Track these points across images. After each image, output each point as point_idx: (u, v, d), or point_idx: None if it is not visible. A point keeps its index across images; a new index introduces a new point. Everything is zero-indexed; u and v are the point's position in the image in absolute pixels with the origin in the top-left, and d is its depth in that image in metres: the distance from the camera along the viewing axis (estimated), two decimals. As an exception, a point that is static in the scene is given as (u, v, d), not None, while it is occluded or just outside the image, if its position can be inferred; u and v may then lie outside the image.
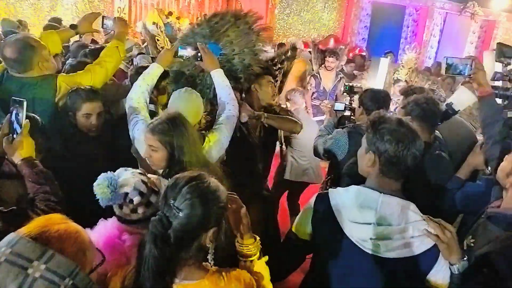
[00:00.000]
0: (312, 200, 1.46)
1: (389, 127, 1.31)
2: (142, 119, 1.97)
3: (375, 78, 4.83)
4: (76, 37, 4.53)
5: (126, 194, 1.40)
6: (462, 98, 2.31)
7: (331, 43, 9.36)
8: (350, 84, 3.10)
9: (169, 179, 1.15)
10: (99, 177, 1.37)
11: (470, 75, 1.92)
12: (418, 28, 11.12)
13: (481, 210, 1.62)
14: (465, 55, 7.90)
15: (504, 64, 3.06)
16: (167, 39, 3.93)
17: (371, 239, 1.30)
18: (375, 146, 1.33)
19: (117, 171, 1.46)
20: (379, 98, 2.46)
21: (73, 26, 2.57)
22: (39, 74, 2.15)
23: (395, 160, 1.30)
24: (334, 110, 2.92)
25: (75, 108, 2.11)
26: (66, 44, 4.95)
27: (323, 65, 5.14)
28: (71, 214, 1.04)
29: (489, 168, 1.97)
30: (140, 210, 1.42)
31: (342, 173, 2.12)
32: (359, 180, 1.43)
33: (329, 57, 4.97)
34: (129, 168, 1.49)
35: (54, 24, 4.64)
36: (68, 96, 2.13)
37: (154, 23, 4.98)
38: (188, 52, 2.21)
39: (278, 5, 9.86)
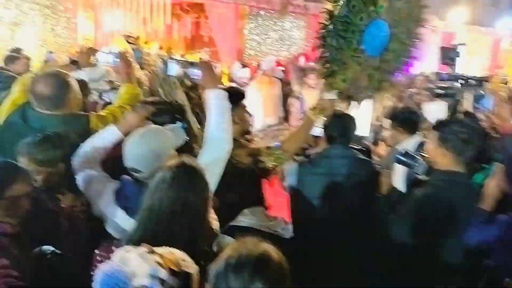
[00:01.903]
0: None
1: None
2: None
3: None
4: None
5: None
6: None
7: (302, 61, 9.43)
8: None
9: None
10: (98, 279, 1.04)
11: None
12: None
13: None
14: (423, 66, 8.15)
15: (450, 65, 3.24)
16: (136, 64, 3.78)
17: None
18: None
19: (117, 255, 1.09)
20: (341, 125, 2.21)
21: (74, 62, 2.55)
22: (70, 112, 2.06)
23: None
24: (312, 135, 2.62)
25: None
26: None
27: (304, 85, 5.07)
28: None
29: None
30: None
31: None
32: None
33: (310, 74, 4.88)
34: (130, 247, 1.13)
35: (15, 55, 4.39)
36: None
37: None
38: (178, 69, 1.92)
39: (247, 26, 9.89)
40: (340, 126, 2.22)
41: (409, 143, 2.56)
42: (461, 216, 1.83)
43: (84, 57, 2.57)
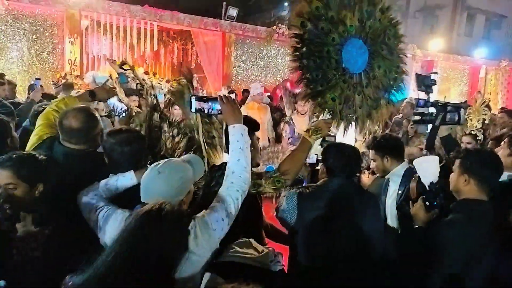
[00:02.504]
0: None
1: None
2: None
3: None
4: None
5: None
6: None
7: (288, 87, 9.57)
8: None
9: None
10: None
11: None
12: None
13: None
14: (409, 93, 8.38)
15: (426, 93, 3.33)
16: (122, 89, 3.73)
17: None
18: None
19: None
20: (344, 156, 2.06)
21: (91, 94, 2.53)
22: (90, 147, 2.09)
23: None
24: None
25: None
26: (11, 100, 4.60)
27: (295, 111, 5.10)
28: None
29: None
30: None
31: None
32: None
33: (300, 100, 4.90)
34: None
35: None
36: None
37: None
38: (211, 103, 1.81)
39: (234, 53, 10.03)
40: (344, 158, 2.06)
41: (398, 171, 2.50)
42: (488, 247, 1.75)
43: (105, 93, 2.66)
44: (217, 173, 1.99)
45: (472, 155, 1.92)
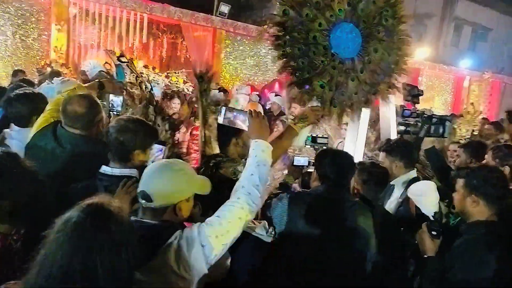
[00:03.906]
0: None
1: None
2: None
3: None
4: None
5: None
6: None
7: (276, 87, 9.58)
8: (314, 134, 2.64)
9: None
10: None
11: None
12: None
13: None
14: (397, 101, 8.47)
15: (413, 103, 3.34)
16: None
17: None
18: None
19: None
20: (338, 164, 1.95)
21: (101, 86, 2.60)
22: (92, 134, 2.13)
23: None
24: (294, 165, 2.44)
25: None
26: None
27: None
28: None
29: None
30: None
31: None
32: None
33: (293, 103, 4.78)
34: None
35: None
36: None
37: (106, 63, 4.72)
38: (241, 116, 1.76)
39: (224, 50, 9.97)
40: (337, 166, 1.94)
41: (403, 178, 2.41)
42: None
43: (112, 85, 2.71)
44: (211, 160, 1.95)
45: (476, 172, 1.81)
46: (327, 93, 2.06)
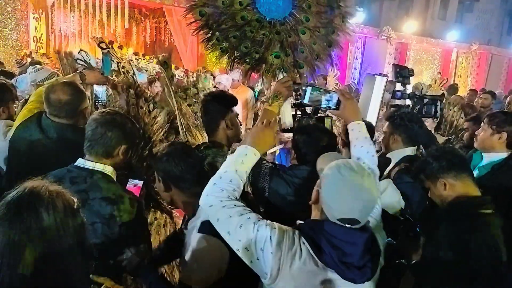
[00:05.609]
0: None
1: None
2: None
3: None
4: None
5: None
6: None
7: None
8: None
9: None
10: None
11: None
12: (342, 52, 11.77)
13: None
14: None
15: (402, 84, 3.26)
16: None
17: None
18: None
19: None
20: (317, 145, 1.82)
21: (82, 76, 2.47)
22: (77, 123, 2.06)
23: None
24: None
25: None
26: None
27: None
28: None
29: None
30: None
31: None
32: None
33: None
34: None
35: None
36: None
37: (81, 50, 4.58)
38: (328, 96, 1.67)
39: (209, 32, 9.80)
40: (316, 147, 1.81)
41: (400, 152, 2.30)
42: None
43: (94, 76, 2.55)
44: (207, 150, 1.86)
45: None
46: (286, 59, 1.97)
